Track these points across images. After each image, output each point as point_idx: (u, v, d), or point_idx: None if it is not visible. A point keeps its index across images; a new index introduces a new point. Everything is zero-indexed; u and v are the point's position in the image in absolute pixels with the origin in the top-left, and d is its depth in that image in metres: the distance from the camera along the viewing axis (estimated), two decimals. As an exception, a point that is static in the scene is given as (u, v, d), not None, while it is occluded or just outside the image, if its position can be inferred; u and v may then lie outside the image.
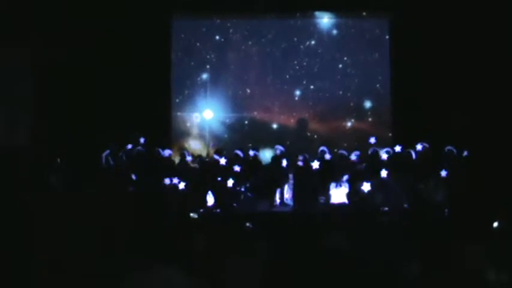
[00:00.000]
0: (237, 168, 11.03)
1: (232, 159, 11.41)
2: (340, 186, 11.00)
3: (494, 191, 10.22)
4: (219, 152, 11.70)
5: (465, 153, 10.92)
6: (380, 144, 11.81)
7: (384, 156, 11.11)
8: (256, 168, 11.47)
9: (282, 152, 11.63)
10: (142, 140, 11.61)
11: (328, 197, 11.03)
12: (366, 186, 10.57)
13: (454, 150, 10.95)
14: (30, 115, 12.38)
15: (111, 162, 11.30)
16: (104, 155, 11.29)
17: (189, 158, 11.80)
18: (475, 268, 3.69)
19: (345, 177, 11.00)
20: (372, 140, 11.43)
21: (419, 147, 11.06)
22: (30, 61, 12.30)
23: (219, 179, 11.11)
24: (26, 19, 12.09)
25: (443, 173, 10.64)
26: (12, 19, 11.98)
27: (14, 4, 12.00)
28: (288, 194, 11.57)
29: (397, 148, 11.11)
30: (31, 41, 12.17)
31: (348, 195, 10.90)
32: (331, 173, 11.06)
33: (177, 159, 11.91)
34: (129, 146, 11.51)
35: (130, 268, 3.50)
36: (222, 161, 11.25)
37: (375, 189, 10.80)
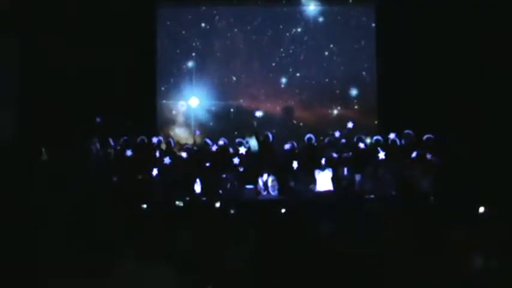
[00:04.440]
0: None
1: (222, 148, 11.43)
2: (323, 170, 10.97)
3: (479, 177, 10.28)
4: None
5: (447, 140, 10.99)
6: (366, 131, 11.88)
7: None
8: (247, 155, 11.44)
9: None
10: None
11: (314, 182, 11.01)
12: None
13: (433, 138, 11.00)
14: (15, 107, 12.30)
15: (100, 153, 11.28)
16: (91, 143, 11.25)
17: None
18: (463, 253, 3.70)
19: (324, 160, 10.97)
20: (350, 125, 11.47)
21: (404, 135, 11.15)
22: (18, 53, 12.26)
23: (208, 165, 11.12)
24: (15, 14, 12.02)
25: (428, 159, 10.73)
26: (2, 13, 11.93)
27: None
28: (273, 181, 11.54)
29: (392, 135, 11.18)
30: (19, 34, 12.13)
31: (333, 180, 10.91)
32: (316, 159, 11.06)
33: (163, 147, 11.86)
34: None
35: (117, 260, 3.47)
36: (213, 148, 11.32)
37: (362, 176, 10.85)
